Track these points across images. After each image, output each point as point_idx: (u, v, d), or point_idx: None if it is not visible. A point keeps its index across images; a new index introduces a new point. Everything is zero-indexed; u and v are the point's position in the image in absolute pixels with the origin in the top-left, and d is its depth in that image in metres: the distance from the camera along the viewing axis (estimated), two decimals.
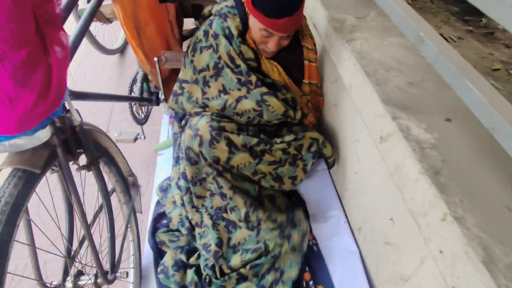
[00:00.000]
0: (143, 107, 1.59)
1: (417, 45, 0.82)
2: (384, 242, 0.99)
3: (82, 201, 0.72)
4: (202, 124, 1.05)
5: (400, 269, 0.86)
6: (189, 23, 1.62)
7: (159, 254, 1.20)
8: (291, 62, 1.15)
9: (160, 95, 1.41)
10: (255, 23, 0.98)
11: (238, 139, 1.06)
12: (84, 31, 0.84)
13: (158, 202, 1.40)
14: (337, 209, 1.33)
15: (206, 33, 1.09)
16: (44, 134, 0.61)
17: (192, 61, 1.12)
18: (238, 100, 1.08)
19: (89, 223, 0.83)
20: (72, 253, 0.78)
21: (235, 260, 1.08)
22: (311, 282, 1.10)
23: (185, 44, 1.85)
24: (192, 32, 1.65)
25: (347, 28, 1.11)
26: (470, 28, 2.20)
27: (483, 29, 2.20)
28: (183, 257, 1.13)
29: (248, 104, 1.07)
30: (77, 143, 0.75)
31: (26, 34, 0.52)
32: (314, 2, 1.31)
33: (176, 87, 1.17)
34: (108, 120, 1.72)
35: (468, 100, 0.66)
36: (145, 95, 1.42)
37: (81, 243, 0.84)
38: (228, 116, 1.13)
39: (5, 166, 0.59)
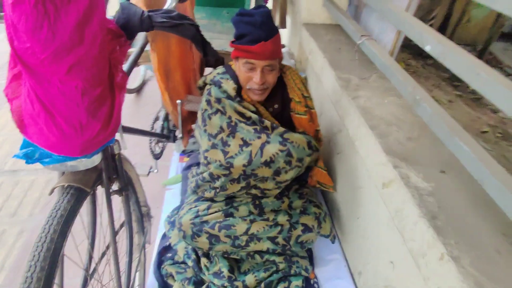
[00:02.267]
0: (159, 143, 1.69)
1: (413, 106, 0.96)
2: (384, 286, 1.04)
3: (113, 222, 0.79)
4: (185, 220, 1.19)
5: None
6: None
7: (164, 286, 1.22)
8: (281, 114, 1.22)
9: (177, 133, 1.53)
10: (239, 65, 1.05)
11: (220, 233, 1.16)
12: (129, 73, 0.97)
13: (163, 236, 1.44)
14: (338, 253, 1.38)
15: (208, 102, 1.15)
16: (97, 159, 0.70)
17: (205, 131, 1.16)
18: (262, 147, 1.10)
19: (108, 247, 0.89)
20: (91, 270, 0.83)
21: (250, 279, 1.19)
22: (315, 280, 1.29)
23: None
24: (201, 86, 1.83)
25: (352, 87, 1.27)
26: (460, 93, 2.42)
27: (471, 94, 2.42)
28: None
29: (272, 148, 1.11)
30: (114, 170, 0.84)
31: (102, 76, 0.64)
32: (322, 63, 1.49)
33: (203, 160, 1.21)
34: (122, 153, 1.83)
35: (460, 155, 0.77)
36: (165, 132, 1.54)
37: (99, 261, 0.88)
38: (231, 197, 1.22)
39: (63, 183, 0.68)
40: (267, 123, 1.13)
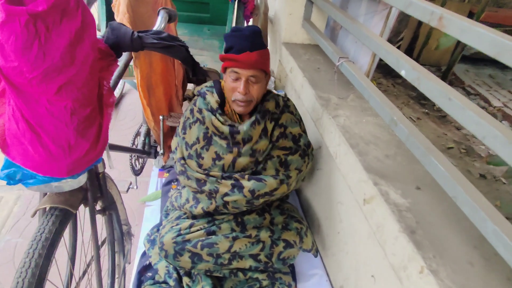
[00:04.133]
0: (140, 159, 1.66)
1: (391, 126, 1.02)
2: None
3: (97, 242, 0.76)
4: (167, 239, 1.18)
5: None
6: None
7: None
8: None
9: (158, 149, 1.51)
10: (226, 76, 1.10)
11: (203, 252, 1.17)
12: (114, 88, 0.96)
13: (143, 254, 1.40)
14: (319, 268, 1.40)
15: (191, 111, 1.22)
16: (83, 178, 0.68)
17: (184, 138, 1.22)
18: (233, 161, 1.18)
19: (89, 266, 0.85)
20: None
21: None
22: None
23: (185, 104, 2.01)
24: (192, 96, 1.84)
25: (332, 106, 1.33)
26: (426, 110, 2.57)
27: (436, 112, 2.58)
28: None
29: (243, 160, 1.17)
30: (98, 189, 0.82)
31: (92, 95, 0.64)
32: (302, 81, 1.55)
33: (180, 166, 1.24)
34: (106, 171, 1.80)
35: (434, 173, 0.83)
36: (146, 148, 1.51)
37: (80, 281, 0.84)
38: (210, 212, 1.23)
39: (48, 205, 0.65)
40: (239, 138, 1.15)
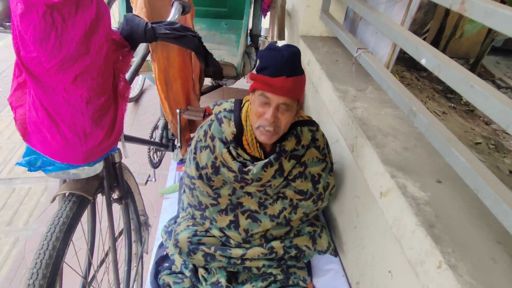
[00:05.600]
0: (158, 152, 1.70)
1: (410, 117, 0.98)
2: None
3: (113, 230, 0.79)
4: (183, 237, 1.21)
5: None
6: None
7: None
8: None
9: (176, 143, 1.53)
10: (254, 98, 0.97)
11: (216, 254, 1.19)
12: (131, 82, 0.98)
13: (161, 245, 1.43)
14: (336, 263, 1.38)
15: (205, 133, 1.14)
16: (99, 167, 0.71)
17: (194, 158, 1.17)
18: (241, 187, 1.15)
19: (107, 255, 0.88)
20: (90, 277, 0.82)
21: None
22: None
23: (202, 98, 2.03)
24: (208, 90, 1.85)
25: (349, 98, 1.29)
26: (453, 104, 2.46)
27: (464, 106, 2.46)
28: None
29: (251, 189, 1.15)
30: (114, 178, 0.84)
31: (107, 85, 0.66)
32: (320, 74, 1.52)
33: (188, 182, 1.23)
34: (123, 161, 1.86)
35: (455, 165, 0.79)
36: (164, 141, 1.55)
37: (98, 269, 0.88)
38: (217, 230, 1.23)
39: (65, 191, 0.68)
40: (247, 177, 1.09)
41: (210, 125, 1.14)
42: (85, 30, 0.59)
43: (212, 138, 1.12)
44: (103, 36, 0.62)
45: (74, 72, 0.60)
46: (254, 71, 0.96)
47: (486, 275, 0.68)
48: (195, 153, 1.17)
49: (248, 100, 1.09)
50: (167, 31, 0.76)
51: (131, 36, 0.74)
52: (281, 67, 0.89)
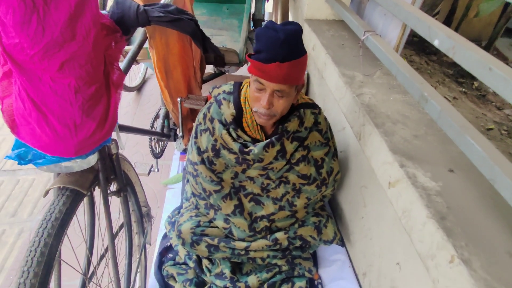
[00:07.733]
0: (160, 142, 1.67)
1: (421, 103, 0.93)
2: (390, 287, 1.01)
3: (111, 224, 0.76)
4: (185, 228, 1.18)
5: None
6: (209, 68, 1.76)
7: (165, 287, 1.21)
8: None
9: (178, 132, 1.50)
10: (251, 81, 0.96)
11: (220, 245, 1.17)
12: (127, 70, 0.94)
13: (164, 236, 1.42)
14: (342, 253, 1.35)
15: (204, 116, 1.12)
16: (93, 159, 0.68)
17: (195, 143, 1.15)
18: (243, 171, 1.14)
19: (107, 250, 0.86)
20: (90, 273, 0.81)
21: (252, 280, 1.18)
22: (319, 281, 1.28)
23: (204, 86, 1.99)
24: (211, 77, 1.80)
25: (356, 84, 1.24)
26: (464, 89, 2.37)
27: (475, 91, 2.38)
28: None
29: (253, 172, 1.13)
30: (111, 170, 0.81)
31: (97, 73, 0.62)
32: (325, 59, 1.46)
33: (191, 169, 1.20)
34: (122, 152, 1.84)
35: (470, 154, 0.74)
36: (165, 131, 1.51)
37: (98, 265, 0.86)
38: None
39: (58, 185, 0.65)
40: (249, 158, 1.07)
41: (209, 108, 1.12)
42: (69, 13, 0.55)
43: (212, 120, 1.10)
44: (90, 20, 0.58)
45: (60, 59, 0.56)
46: (252, 53, 0.92)
47: (501, 270, 0.64)
48: (196, 137, 1.15)
49: (248, 82, 1.06)
50: (161, 14, 0.71)
51: (123, 20, 0.70)
52: (276, 51, 0.84)
